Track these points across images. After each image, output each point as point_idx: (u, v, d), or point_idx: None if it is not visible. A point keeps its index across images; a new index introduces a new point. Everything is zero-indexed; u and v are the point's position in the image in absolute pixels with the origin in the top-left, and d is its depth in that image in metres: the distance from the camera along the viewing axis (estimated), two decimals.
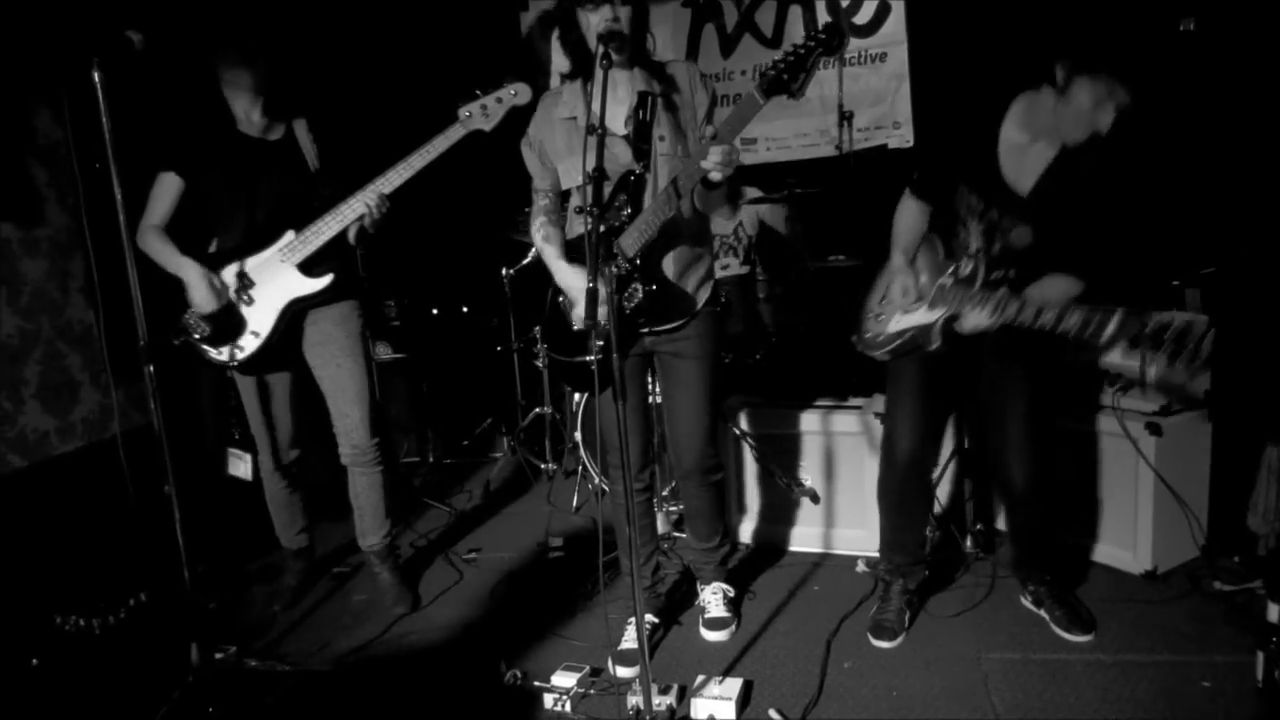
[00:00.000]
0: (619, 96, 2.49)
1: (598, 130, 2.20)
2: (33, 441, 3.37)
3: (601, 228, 2.12)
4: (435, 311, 5.00)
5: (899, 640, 2.78)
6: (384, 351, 4.74)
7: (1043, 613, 2.82)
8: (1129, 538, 3.09)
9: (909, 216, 2.68)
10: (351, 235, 2.88)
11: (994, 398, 2.70)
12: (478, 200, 4.91)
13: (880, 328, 2.74)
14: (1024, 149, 2.41)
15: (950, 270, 2.55)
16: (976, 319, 2.39)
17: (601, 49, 2.26)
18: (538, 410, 4.61)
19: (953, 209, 2.54)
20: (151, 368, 2.38)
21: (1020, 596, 2.94)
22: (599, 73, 2.25)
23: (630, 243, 2.49)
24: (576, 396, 4.04)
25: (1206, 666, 2.50)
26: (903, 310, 2.66)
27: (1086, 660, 2.61)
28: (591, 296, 2.03)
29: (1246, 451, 3.01)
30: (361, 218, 2.81)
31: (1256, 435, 2.95)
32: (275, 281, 2.90)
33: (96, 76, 2.24)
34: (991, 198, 2.45)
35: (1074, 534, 3.21)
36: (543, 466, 4.55)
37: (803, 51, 2.16)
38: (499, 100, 2.70)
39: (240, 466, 3.17)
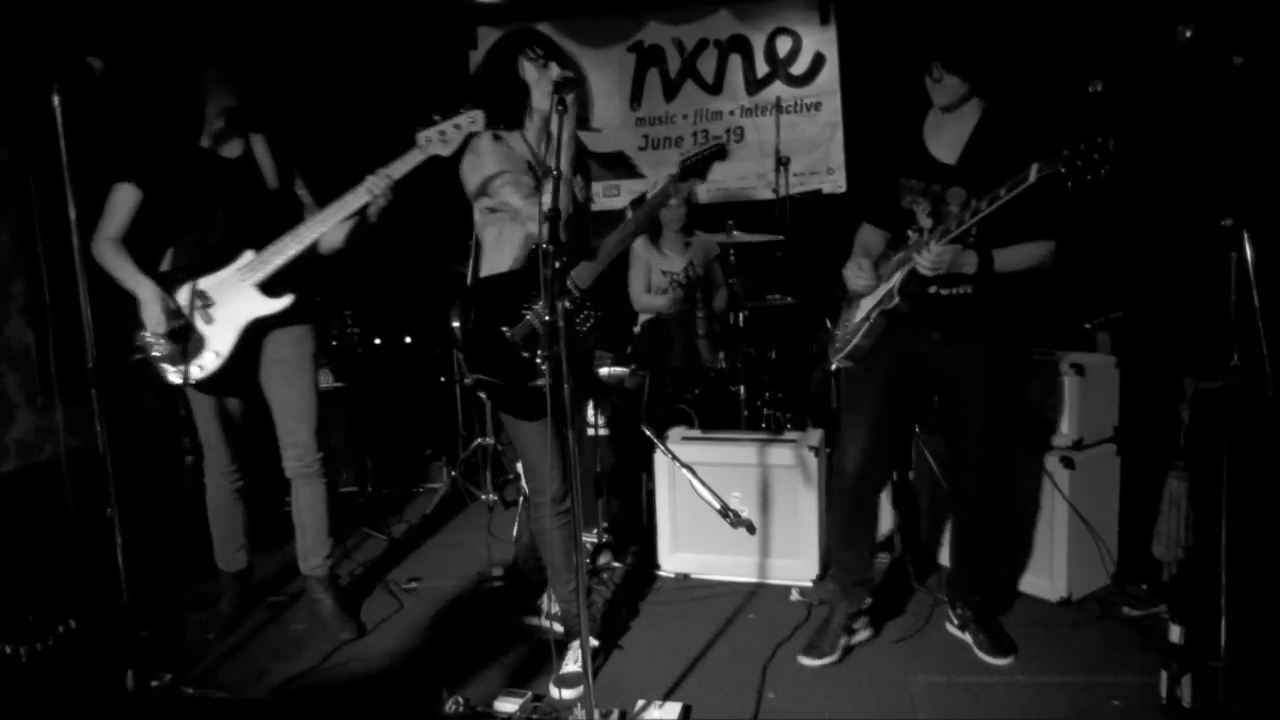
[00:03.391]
0: (565, 142, 2.61)
1: (554, 173, 2.32)
2: None
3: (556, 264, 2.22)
4: (378, 341, 5.02)
5: (827, 659, 2.87)
6: (324, 379, 4.74)
7: (967, 637, 2.96)
8: (1046, 566, 3.26)
9: (867, 238, 2.89)
10: (331, 243, 2.91)
11: (952, 417, 2.82)
12: (422, 229, 4.96)
13: (846, 329, 2.85)
14: (946, 129, 2.66)
15: (903, 249, 2.69)
16: (930, 253, 2.48)
17: (557, 96, 2.37)
18: (479, 441, 4.65)
19: (901, 212, 2.69)
20: (96, 390, 2.39)
21: (947, 623, 3.07)
22: (555, 117, 2.36)
23: (585, 275, 2.67)
24: None
25: (1117, 686, 2.66)
26: (868, 292, 2.79)
27: (1007, 682, 2.74)
28: (551, 330, 2.13)
29: (1151, 483, 3.20)
30: (364, 208, 2.79)
31: (1159, 468, 3.15)
32: (235, 301, 2.91)
33: (56, 101, 2.27)
34: (927, 174, 2.65)
35: (1002, 565, 3.37)
36: (483, 497, 4.58)
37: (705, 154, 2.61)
38: (457, 126, 2.74)
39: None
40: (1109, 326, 3.98)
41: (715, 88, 5.84)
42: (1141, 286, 3.71)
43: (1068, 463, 3.16)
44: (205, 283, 2.91)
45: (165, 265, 2.95)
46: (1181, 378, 2.96)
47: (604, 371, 4.25)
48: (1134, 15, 4.06)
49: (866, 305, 2.76)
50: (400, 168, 2.76)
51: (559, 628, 2.96)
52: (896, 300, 2.61)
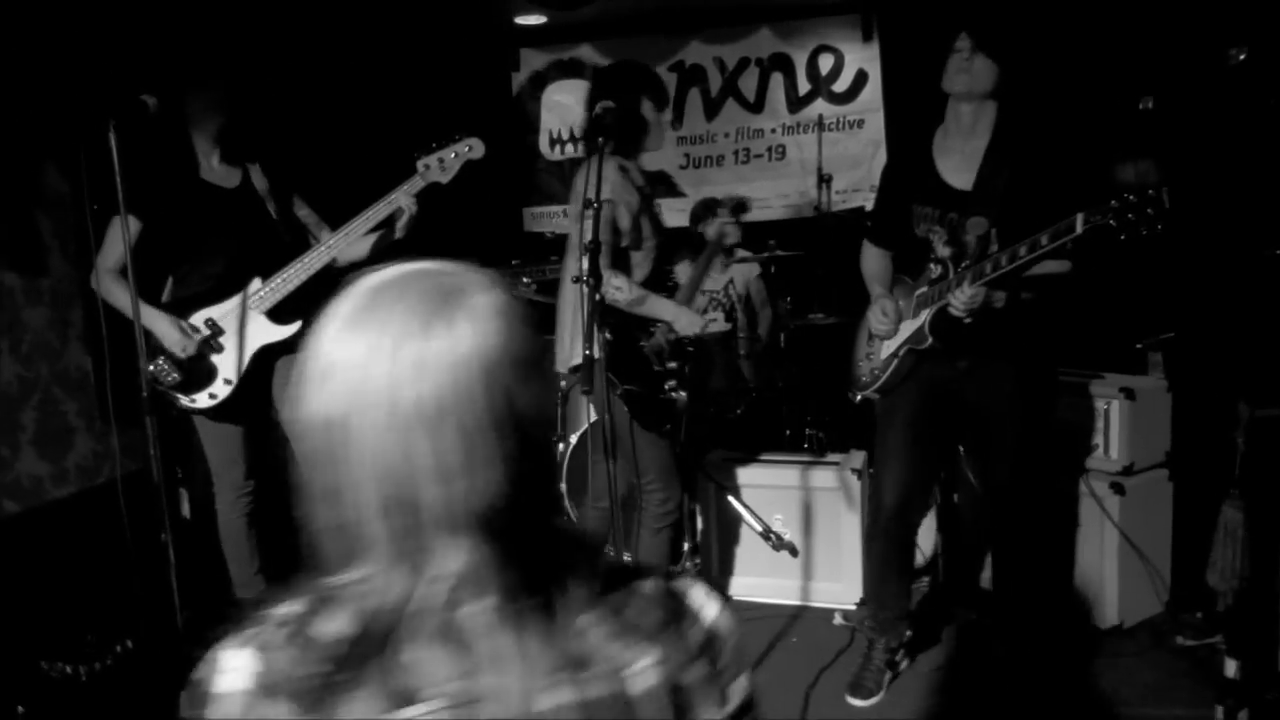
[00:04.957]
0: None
1: (595, 205, 2.35)
2: (27, 487, 3.40)
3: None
4: None
5: (876, 699, 2.83)
6: None
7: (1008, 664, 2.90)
8: (1096, 593, 3.20)
9: (873, 260, 2.85)
10: (352, 256, 2.96)
11: (982, 442, 2.80)
12: (462, 251, 5.03)
13: (873, 363, 2.83)
14: (955, 151, 2.60)
15: (923, 280, 2.66)
16: (963, 294, 2.43)
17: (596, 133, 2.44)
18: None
19: (913, 238, 2.65)
20: (150, 417, 2.46)
21: (989, 649, 3.02)
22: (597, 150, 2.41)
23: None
24: (560, 446, 4.12)
25: None
26: (889, 337, 2.77)
27: (1052, 713, 2.70)
28: (587, 365, 2.16)
29: (1205, 511, 3.13)
30: (393, 217, 2.85)
31: (1213, 495, 3.09)
32: (245, 329, 2.94)
33: (112, 138, 2.35)
34: (942, 201, 2.59)
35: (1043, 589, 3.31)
36: None
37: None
38: (455, 155, 2.81)
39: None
40: (1161, 347, 3.90)
41: (757, 106, 5.84)
42: (1195, 308, 3.63)
43: (1118, 489, 3.10)
44: (213, 312, 2.93)
45: (165, 297, 2.96)
46: (1236, 403, 2.90)
47: None
48: (1181, 34, 4.00)
49: (894, 341, 2.74)
50: (404, 192, 2.82)
51: None
52: (930, 341, 2.60)
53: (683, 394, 4.26)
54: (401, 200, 2.83)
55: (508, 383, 0.75)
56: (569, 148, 5.92)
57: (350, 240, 2.89)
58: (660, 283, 3.02)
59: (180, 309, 2.92)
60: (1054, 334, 2.75)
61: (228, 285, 2.94)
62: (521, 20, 5.56)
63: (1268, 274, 2.27)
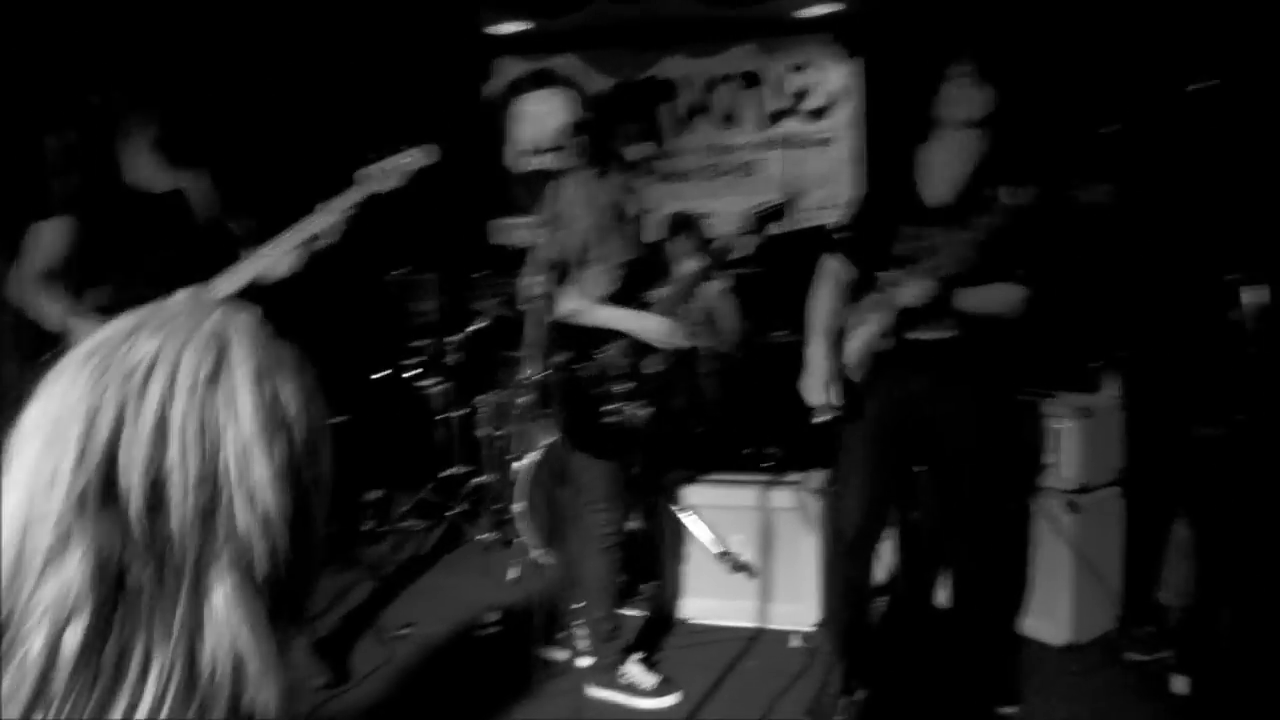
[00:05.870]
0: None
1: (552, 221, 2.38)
2: None
3: None
4: (375, 376, 5.00)
5: None
6: None
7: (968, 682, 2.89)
8: (1050, 610, 3.20)
9: (827, 296, 2.83)
10: (275, 273, 2.85)
11: (942, 463, 2.78)
12: (429, 262, 4.97)
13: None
14: (941, 172, 2.62)
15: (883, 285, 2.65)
16: (912, 288, 2.47)
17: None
18: (477, 479, 4.62)
19: (888, 258, 2.64)
20: None
21: (948, 669, 3.00)
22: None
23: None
24: (516, 465, 4.06)
25: None
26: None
27: None
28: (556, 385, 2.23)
29: (1157, 528, 3.15)
30: (314, 240, 2.76)
31: (1165, 513, 3.10)
32: None
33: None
34: (924, 221, 2.58)
35: (1001, 609, 3.30)
36: (480, 537, 4.53)
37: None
38: (396, 165, 2.75)
39: None
40: (1116, 366, 3.93)
41: (729, 121, 5.86)
42: (1149, 328, 3.67)
43: (1073, 507, 3.11)
44: None
45: (86, 307, 2.78)
46: (1187, 422, 2.92)
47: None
48: (1144, 62, 4.06)
49: (850, 350, 2.73)
50: (340, 205, 2.73)
51: (585, 661, 3.04)
52: (889, 342, 2.59)
53: (638, 413, 4.24)
54: (321, 224, 2.73)
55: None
56: (539, 159, 5.89)
57: (274, 258, 2.78)
58: (634, 303, 2.99)
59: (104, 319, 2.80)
60: (1013, 357, 2.76)
61: (153, 297, 2.81)
62: (497, 29, 5.52)
63: (1220, 298, 2.29)
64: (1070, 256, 2.49)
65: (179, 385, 0.63)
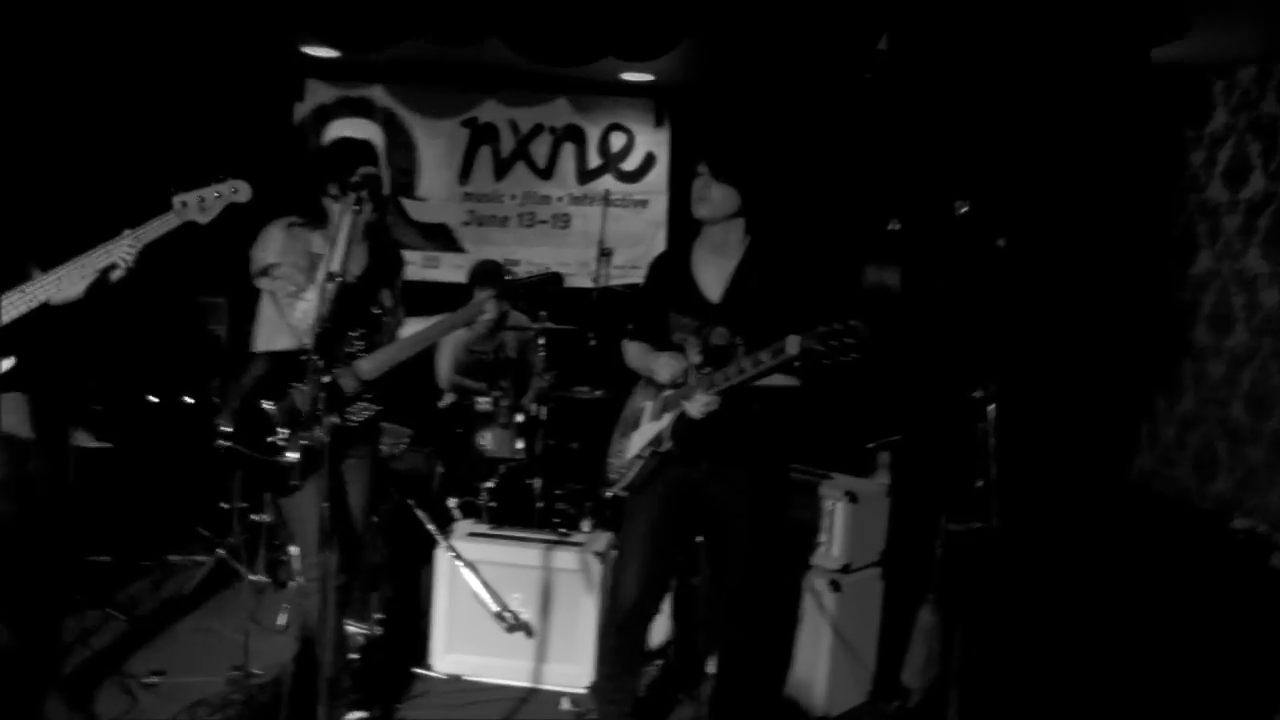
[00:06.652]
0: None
1: (331, 277, 2.28)
2: None
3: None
4: (152, 399, 4.67)
5: None
6: (84, 439, 4.35)
7: None
8: (809, 683, 3.35)
9: (636, 349, 2.93)
10: (65, 297, 2.65)
11: (716, 540, 2.89)
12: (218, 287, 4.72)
13: (621, 460, 2.88)
14: (710, 264, 2.77)
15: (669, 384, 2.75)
16: (699, 401, 2.57)
17: (354, 194, 2.36)
18: (255, 516, 4.37)
19: (669, 343, 2.78)
20: None
21: None
22: (349, 218, 2.34)
23: (376, 365, 2.74)
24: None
25: None
26: (636, 434, 2.83)
27: None
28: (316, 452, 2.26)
29: (907, 611, 3.38)
30: (110, 269, 2.61)
31: (915, 597, 3.33)
32: None
33: None
34: (697, 313, 2.73)
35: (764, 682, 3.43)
36: (252, 578, 4.28)
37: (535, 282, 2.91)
38: (218, 195, 2.66)
39: None
40: (889, 448, 4.22)
41: (546, 173, 5.91)
42: (912, 420, 3.97)
43: (835, 586, 3.29)
44: None
45: None
46: (939, 514, 3.16)
47: (390, 450, 4.10)
48: (920, 174, 4.45)
49: (639, 442, 2.81)
50: (151, 232, 2.60)
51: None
52: (669, 444, 2.69)
53: (435, 458, 4.15)
54: (118, 254, 2.59)
55: None
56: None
57: (85, 272, 2.60)
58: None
59: None
60: (786, 440, 2.91)
61: None
62: (311, 51, 5.34)
63: (965, 411, 2.51)
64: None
65: None
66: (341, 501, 2.80)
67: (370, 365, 2.75)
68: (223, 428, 2.67)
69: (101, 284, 2.69)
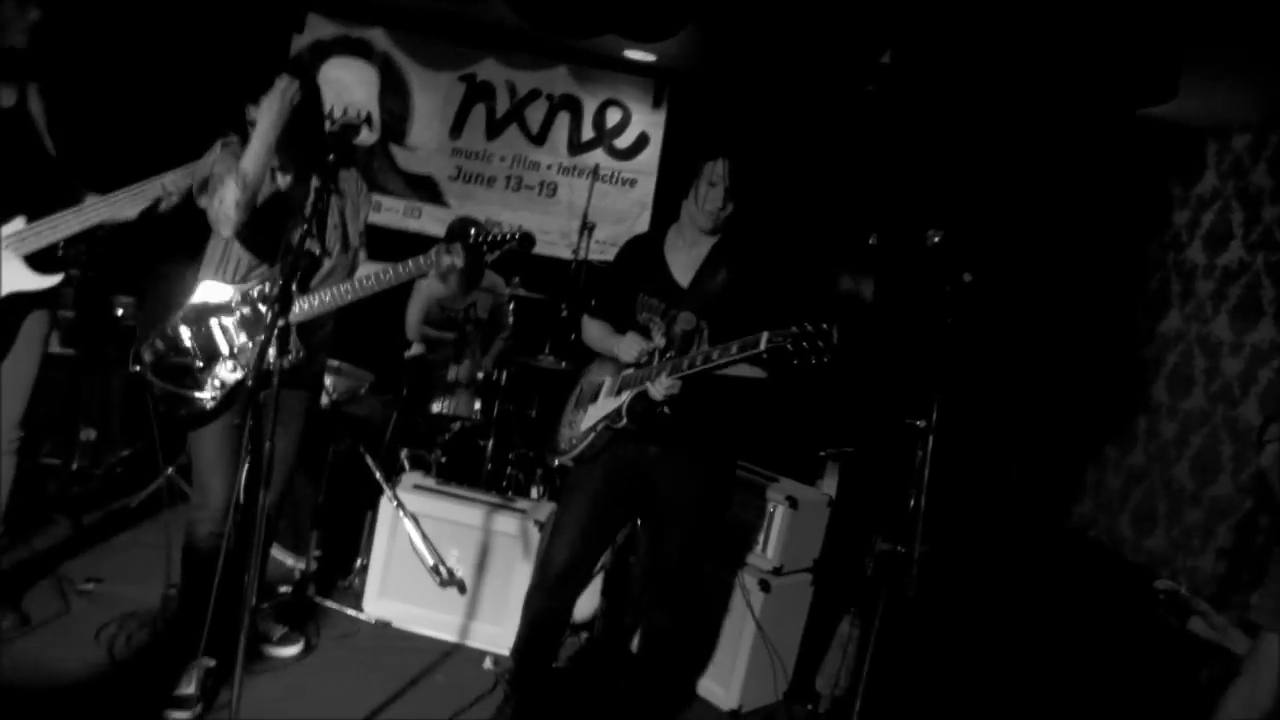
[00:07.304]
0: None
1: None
2: None
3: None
4: (120, 313, 4.64)
5: None
6: (53, 344, 4.31)
7: None
8: (725, 676, 3.45)
9: (597, 328, 2.98)
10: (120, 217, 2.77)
11: (656, 523, 2.94)
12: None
13: (573, 431, 2.92)
14: (684, 250, 2.85)
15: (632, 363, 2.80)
16: (662, 384, 2.61)
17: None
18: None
19: (634, 323, 2.83)
20: None
21: None
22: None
23: (304, 309, 2.72)
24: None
25: None
26: (593, 407, 2.87)
27: None
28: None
29: (830, 620, 3.49)
30: (157, 201, 2.76)
31: (839, 608, 3.44)
32: None
33: None
34: (665, 295, 2.80)
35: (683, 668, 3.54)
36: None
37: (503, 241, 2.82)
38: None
39: None
40: (840, 459, 4.32)
41: (539, 139, 5.90)
42: (858, 435, 4.07)
43: (764, 586, 3.38)
44: None
45: None
46: (871, 531, 3.25)
47: (336, 387, 4.08)
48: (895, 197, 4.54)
49: (594, 415, 2.85)
50: (198, 171, 2.66)
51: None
52: (624, 421, 2.72)
53: (392, 407, 4.18)
54: (174, 181, 2.74)
55: None
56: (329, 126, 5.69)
57: (137, 202, 2.75)
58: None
59: None
60: (740, 435, 2.98)
61: None
62: None
63: (903, 438, 2.60)
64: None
65: None
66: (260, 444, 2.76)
67: (305, 308, 2.68)
68: (143, 356, 2.66)
69: (152, 209, 2.80)
